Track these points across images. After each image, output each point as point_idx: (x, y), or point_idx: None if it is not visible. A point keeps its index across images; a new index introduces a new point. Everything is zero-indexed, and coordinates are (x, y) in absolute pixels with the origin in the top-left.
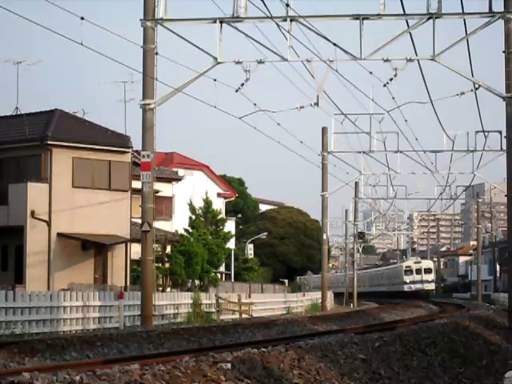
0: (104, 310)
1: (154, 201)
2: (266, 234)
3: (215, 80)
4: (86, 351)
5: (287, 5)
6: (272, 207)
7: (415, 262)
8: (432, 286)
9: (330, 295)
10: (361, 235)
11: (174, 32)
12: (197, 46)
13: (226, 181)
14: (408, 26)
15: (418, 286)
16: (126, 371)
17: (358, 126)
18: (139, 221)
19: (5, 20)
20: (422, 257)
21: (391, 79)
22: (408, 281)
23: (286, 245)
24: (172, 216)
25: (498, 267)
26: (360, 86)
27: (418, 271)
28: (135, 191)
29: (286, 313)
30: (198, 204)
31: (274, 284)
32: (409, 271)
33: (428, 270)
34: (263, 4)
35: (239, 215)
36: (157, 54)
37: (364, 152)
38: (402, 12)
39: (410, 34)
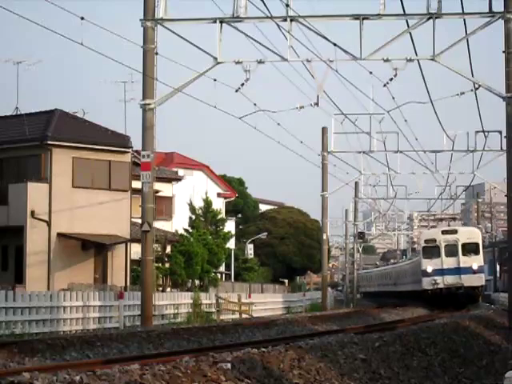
0: (104, 309)
1: (154, 201)
2: (265, 234)
3: (215, 80)
4: (86, 351)
5: (287, 5)
6: (272, 207)
7: (444, 232)
8: (479, 280)
9: (329, 295)
10: (361, 235)
11: (174, 32)
12: (197, 46)
13: (226, 181)
14: (408, 25)
15: (451, 278)
16: (126, 371)
17: (358, 126)
18: (139, 221)
19: (5, 20)
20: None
21: (391, 79)
22: (430, 269)
23: (285, 245)
24: (172, 216)
25: (498, 267)
26: (360, 86)
27: (452, 250)
28: (135, 191)
29: (286, 313)
30: (198, 204)
31: (274, 284)
32: (432, 249)
33: (471, 248)
34: (263, 4)
35: (239, 215)
36: (157, 53)
37: (364, 152)
38: (402, 12)
39: (410, 34)
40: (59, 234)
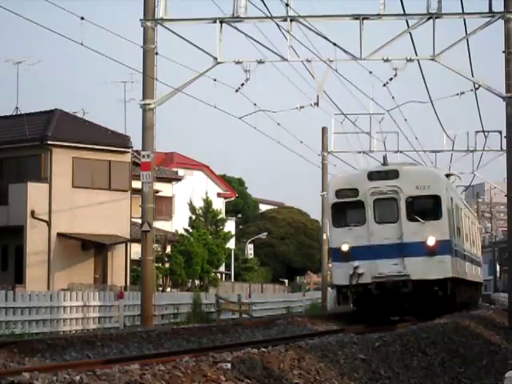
0: (104, 310)
1: (154, 201)
2: (266, 234)
3: (215, 80)
4: (85, 351)
5: (287, 5)
6: (272, 207)
7: (374, 176)
8: (441, 268)
9: (329, 295)
10: None
11: (174, 32)
12: (197, 46)
13: (226, 181)
14: (408, 25)
15: (386, 265)
16: (126, 371)
17: (357, 126)
18: (139, 221)
19: (5, 20)
20: None
21: (391, 79)
22: (346, 248)
23: (286, 245)
24: (172, 216)
25: (498, 267)
26: (360, 86)
27: (387, 209)
28: (135, 191)
29: (286, 313)
30: (198, 204)
31: (274, 284)
32: (350, 209)
33: (424, 205)
34: (263, 4)
35: (239, 215)
36: (157, 54)
37: (364, 152)
38: (402, 12)
39: (410, 34)
40: (59, 234)
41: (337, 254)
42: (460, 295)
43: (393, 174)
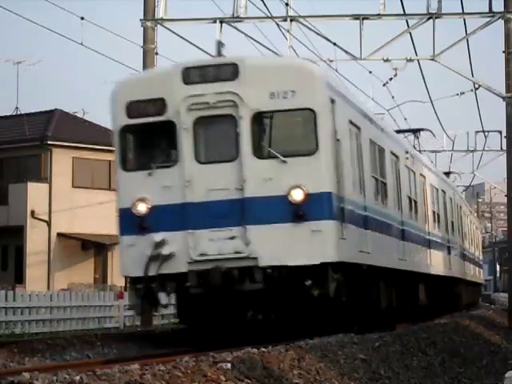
0: (104, 309)
1: None
2: None
3: None
4: (85, 351)
5: (287, 5)
6: None
7: (192, 73)
8: (318, 249)
9: None
10: None
11: (174, 32)
12: (197, 46)
13: None
14: (408, 26)
15: (213, 241)
16: (126, 371)
17: None
18: None
19: (5, 20)
20: None
21: (391, 79)
22: (143, 209)
23: None
24: None
25: (498, 267)
26: (360, 86)
27: (217, 137)
28: None
29: None
30: None
31: None
32: (147, 138)
33: (286, 127)
34: (263, 4)
35: None
36: (157, 53)
37: None
38: (402, 12)
39: (410, 34)
40: (59, 234)
41: (127, 220)
42: (377, 297)
43: (228, 72)
